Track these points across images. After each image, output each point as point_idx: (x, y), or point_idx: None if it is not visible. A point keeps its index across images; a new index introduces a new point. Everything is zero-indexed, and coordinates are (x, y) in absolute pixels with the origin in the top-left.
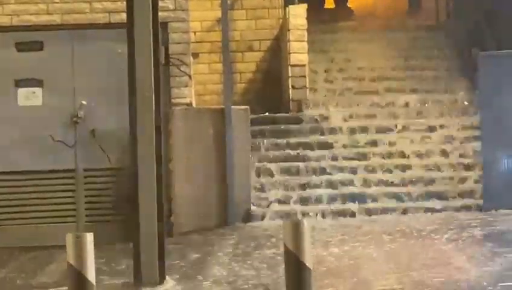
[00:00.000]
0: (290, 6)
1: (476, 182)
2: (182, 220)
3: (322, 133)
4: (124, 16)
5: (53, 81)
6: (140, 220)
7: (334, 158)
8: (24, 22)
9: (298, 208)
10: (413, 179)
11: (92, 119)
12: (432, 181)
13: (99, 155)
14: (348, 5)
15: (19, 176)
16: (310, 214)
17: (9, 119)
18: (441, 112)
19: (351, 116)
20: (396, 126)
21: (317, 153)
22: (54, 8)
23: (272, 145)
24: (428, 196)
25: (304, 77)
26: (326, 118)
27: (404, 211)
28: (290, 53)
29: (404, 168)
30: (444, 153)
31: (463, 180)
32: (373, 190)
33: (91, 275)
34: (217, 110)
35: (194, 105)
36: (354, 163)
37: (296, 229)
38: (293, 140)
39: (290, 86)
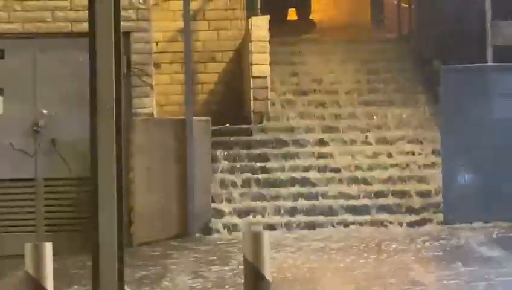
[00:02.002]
0: (253, 17)
1: (436, 195)
2: (142, 231)
3: (284, 145)
4: (86, 25)
5: (14, 89)
6: (100, 230)
7: (295, 169)
8: None
9: (259, 219)
10: (370, 192)
11: (52, 128)
12: (390, 194)
13: (59, 164)
14: (311, 17)
15: None
16: (271, 225)
17: None
18: (401, 124)
19: (312, 129)
20: (355, 138)
21: (278, 164)
22: (15, 17)
23: (233, 157)
24: (388, 209)
25: (266, 88)
26: (287, 130)
27: (361, 224)
28: (252, 64)
29: (361, 180)
30: (404, 166)
31: (423, 193)
32: (332, 202)
33: (49, 285)
34: (178, 121)
35: (155, 115)
36: (315, 175)
37: (256, 241)
38: (254, 151)
39: (252, 98)
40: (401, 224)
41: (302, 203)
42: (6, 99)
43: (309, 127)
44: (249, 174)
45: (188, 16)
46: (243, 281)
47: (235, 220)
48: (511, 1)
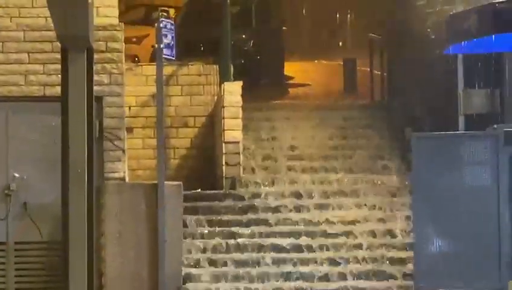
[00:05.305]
0: (226, 83)
1: (408, 262)
2: None
3: (255, 211)
4: (58, 89)
5: None
6: None
7: (267, 236)
8: None
9: (231, 286)
10: (343, 259)
11: (24, 192)
12: (362, 261)
13: (30, 228)
14: (284, 82)
15: None
16: None
17: None
18: (373, 191)
19: (283, 195)
20: (329, 205)
21: (250, 230)
22: None
23: (204, 222)
24: (360, 275)
25: (238, 154)
26: (259, 196)
27: None
28: (224, 130)
29: (337, 247)
30: (375, 233)
31: (394, 260)
32: (308, 268)
33: None
34: (149, 186)
35: (127, 180)
36: (287, 241)
37: None
38: (225, 217)
39: (224, 163)
40: None
41: (273, 269)
42: None
43: (280, 194)
44: (220, 240)
45: (161, 80)
46: None
47: (207, 286)
48: (482, 69)
